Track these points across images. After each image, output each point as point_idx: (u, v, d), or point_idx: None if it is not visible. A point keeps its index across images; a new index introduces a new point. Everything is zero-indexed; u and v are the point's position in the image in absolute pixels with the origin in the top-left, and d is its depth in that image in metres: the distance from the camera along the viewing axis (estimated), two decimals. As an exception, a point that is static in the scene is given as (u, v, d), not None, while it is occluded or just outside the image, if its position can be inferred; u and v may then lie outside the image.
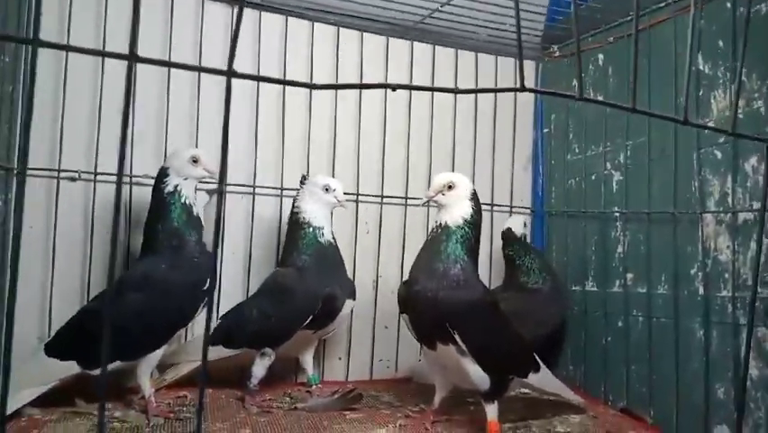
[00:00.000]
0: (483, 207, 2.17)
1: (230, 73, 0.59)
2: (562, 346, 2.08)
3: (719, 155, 1.55)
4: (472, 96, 2.23)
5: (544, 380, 1.61)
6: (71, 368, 1.44)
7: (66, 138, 1.73)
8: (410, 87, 1.93)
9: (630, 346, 1.79)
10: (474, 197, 1.52)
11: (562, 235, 2.15)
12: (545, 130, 2.31)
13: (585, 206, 2.04)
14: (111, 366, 1.44)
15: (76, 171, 1.74)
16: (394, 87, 0.68)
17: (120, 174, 0.57)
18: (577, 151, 2.11)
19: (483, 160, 2.24)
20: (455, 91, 0.70)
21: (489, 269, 2.22)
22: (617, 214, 1.89)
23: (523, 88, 0.66)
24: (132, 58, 0.55)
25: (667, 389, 1.63)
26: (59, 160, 1.72)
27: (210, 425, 1.46)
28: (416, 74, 2.17)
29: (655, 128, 1.73)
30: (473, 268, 1.49)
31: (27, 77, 1.63)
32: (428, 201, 1.54)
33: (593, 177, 2.02)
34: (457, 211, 1.49)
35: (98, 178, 1.75)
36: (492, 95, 2.26)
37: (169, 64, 0.61)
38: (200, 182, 1.67)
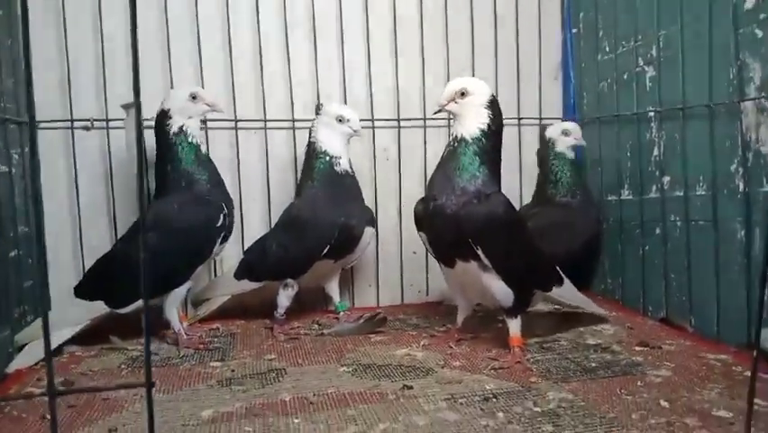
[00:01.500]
0: (508, 120, 2.09)
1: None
2: (597, 260, 2.01)
3: (760, 34, 1.36)
4: (491, 2, 2.07)
5: (566, 293, 1.55)
6: (99, 308, 1.50)
7: (74, 88, 1.74)
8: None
9: (668, 254, 1.69)
10: (493, 103, 1.41)
11: (595, 144, 2.02)
12: (574, 30, 2.13)
13: (618, 109, 1.89)
14: (137, 304, 1.50)
15: (89, 120, 1.76)
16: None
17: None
18: (607, 49, 1.94)
19: (506, 69, 2.10)
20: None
21: (520, 185, 2.13)
22: (652, 113, 1.73)
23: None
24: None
25: (707, 295, 1.54)
26: (71, 110, 1.74)
27: (238, 352, 1.51)
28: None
29: (688, 10, 1.55)
30: (494, 180, 1.41)
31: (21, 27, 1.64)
32: (440, 110, 1.45)
33: (625, 76, 1.85)
34: (473, 121, 1.40)
35: (110, 125, 1.77)
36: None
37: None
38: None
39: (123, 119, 1.65)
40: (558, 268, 1.54)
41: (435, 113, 1.48)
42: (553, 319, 1.69)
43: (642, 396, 1.15)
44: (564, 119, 2.18)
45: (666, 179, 1.69)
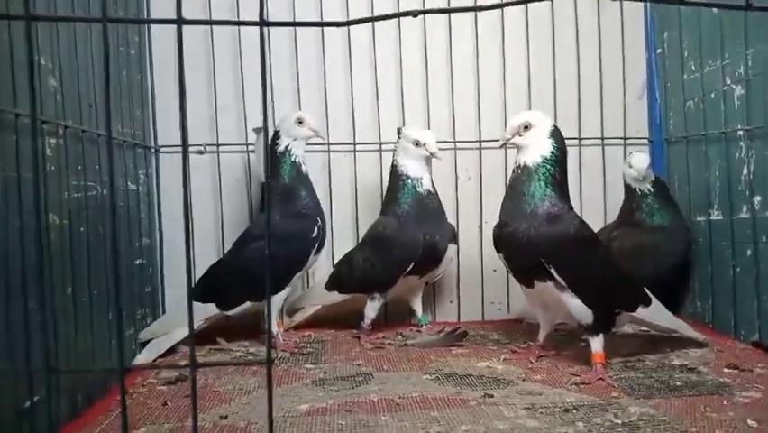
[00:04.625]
0: (593, 141, 2.13)
1: (262, 23, 0.67)
2: (687, 284, 1.97)
3: None
4: (572, 22, 2.11)
5: (656, 314, 1.54)
6: (211, 310, 1.68)
7: (190, 117, 1.96)
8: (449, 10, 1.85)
9: (761, 276, 1.64)
10: (555, 133, 1.48)
11: (682, 163, 1.99)
12: (659, 50, 2.13)
13: (705, 128, 1.86)
14: (243, 307, 1.68)
15: (201, 145, 1.98)
16: (415, 14, 0.71)
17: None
18: (693, 68, 1.93)
19: (590, 89, 2.13)
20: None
21: (604, 204, 2.13)
22: (741, 132, 1.70)
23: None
24: (180, 21, 0.65)
25: (804, 318, 1.48)
26: (185, 136, 1.96)
27: (330, 357, 1.63)
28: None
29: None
30: (563, 202, 1.46)
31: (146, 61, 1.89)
32: (505, 144, 1.53)
33: (712, 95, 1.83)
34: (536, 150, 1.46)
35: (220, 149, 1.98)
36: (595, 19, 2.13)
37: (212, 22, 0.70)
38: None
39: (252, 143, 1.92)
40: (646, 289, 1.53)
41: (501, 146, 1.55)
42: (638, 340, 1.68)
43: (728, 414, 1.15)
44: (650, 139, 2.17)
45: (757, 198, 1.65)
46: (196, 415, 0.69)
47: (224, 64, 1.99)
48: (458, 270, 2.08)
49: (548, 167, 1.45)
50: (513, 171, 1.51)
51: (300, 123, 1.76)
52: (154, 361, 1.59)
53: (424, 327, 1.90)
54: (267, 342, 0.71)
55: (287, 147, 1.75)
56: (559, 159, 1.47)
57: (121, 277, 1.53)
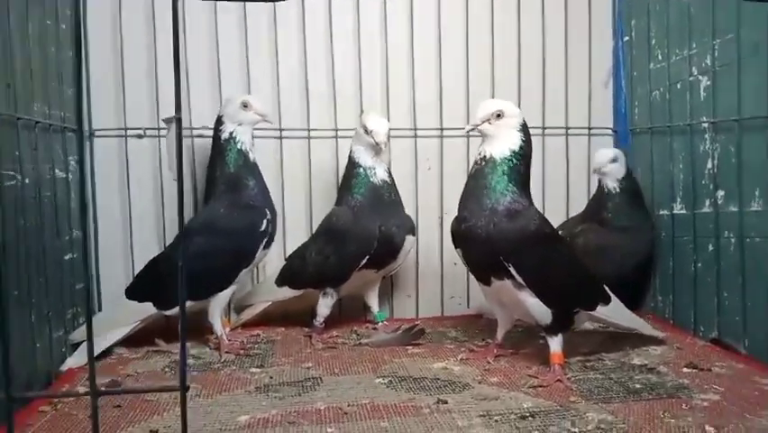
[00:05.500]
0: (556, 130, 2.06)
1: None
2: (650, 282, 1.94)
3: (824, 42, 1.29)
4: (539, 8, 2.04)
5: (615, 312, 1.50)
6: (148, 310, 1.56)
7: (128, 98, 1.82)
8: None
9: (722, 272, 1.61)
10: (524, 128, 1.41)
11: (646, 155, 1.95)
12: (626, 38, 2.07)
13: (671, 119, 1.82)
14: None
15: (141, 129, 1.84)
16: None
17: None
18: (660, 58, 1.87)
19: (554, 77, 2.06)
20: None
21: (567, 197, 2.08)
22: (706, 124, 1.66)
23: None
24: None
25: (763, 316, 1.46)
26: (125, 119, 1.82)
27: (278, 359, 1.53)
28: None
29: (745, 18, 1.48)
30: (525, 198, 1.39)
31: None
32: (473, 129, 1.43)
33: (678, 85, 1.78)
34: (504, 142, 1.39)
35: (161, 133, 1.84)
36: (562, 4, 2.05)
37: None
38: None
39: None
40: (606, 287, 1.49)
41: (468, 132, 1.45)
42: (598, 338, 1.64)
43: (686, 420, 1.11)
44: (614, 129, 2.12)
45: (720, 192, 1.62)
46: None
47: (165, 46, 1.83)
48: (417, 263, 2.00)
49: (515, 161, 1.38)
50: (475, 162, 1.42)
51: (245, 107, 1.63)
52: (84, 365, 1.46)
53: (380, 324, 1.82)
54: (180, 368, 0.62)
55: (231, 134, 1.63)
56: (526, 154, 1.40)
57: (47, 274, 1.40)
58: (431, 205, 2.01)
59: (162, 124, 1.78)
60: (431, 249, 2.01)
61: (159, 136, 1.84)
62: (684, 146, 1.76)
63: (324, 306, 1.72)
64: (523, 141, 1.39)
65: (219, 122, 1.65)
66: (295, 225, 1.94)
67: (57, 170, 1.51)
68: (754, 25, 1.47)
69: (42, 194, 1.41)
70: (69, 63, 1.62)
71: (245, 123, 1.64)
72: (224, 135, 1.63)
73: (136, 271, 1.70)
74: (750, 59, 1.49)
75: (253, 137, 1.70)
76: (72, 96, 1.63)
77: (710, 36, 1.61)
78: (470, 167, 1.45)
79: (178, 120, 0.61)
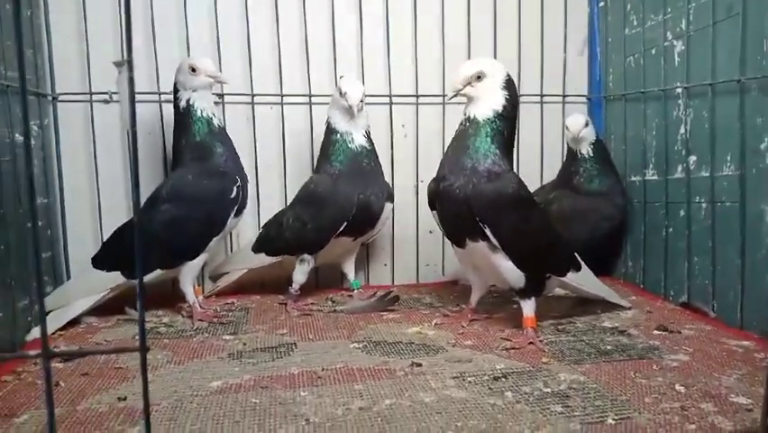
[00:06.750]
0: (531, 97, 2.05)
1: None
2: (621, 247, 1.96)
3: (797, 4, 1.29)
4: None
5: (584, 280, 1.51)
6: (116, 279, 1.52)
7: (93, 60, 1.75)
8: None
9: (692, 237, 1.63)
10: (509, 84, 1.38)
11: (620, 122, 1.95)
12: (601, 4, 2.06)
13: (645, 85, 1.82)
14: (153, 275, 1.51)
15: (107, 93, 1.77)
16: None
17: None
18: (635, 23, 1.86)
19: (530, 44, 2.04)
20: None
21: (541, 164, 2.08)
22: (680, 90, 1.66)
23: None
24: None
25: (731, 280, 1.48)
26: (90, 83, 1.75)
27: (251, 326, 1.52)
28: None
29: (720, -19, 1.47)
30: (506, 162, 1.37)
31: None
32: (455, 95, 1.41)
33: (653, 51, 1.78)
34: (487, 103, 1.36)
35: (129, 97, 1.77)
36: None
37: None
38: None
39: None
40: (577, 254, 1.50)
41: (451, 98, 1.42)
42: (570, 302, 1.66)
43: (656, 380, 1.12)
44: (589, 97, 2.12)
45: (692, 158, 1.63)
46: (52, 411, 0.58)
47: (135, 4, 1.76)
48: (392, 231, 1.99)
49: (498, 122, 1.36)
50: (460, 124, 1.40)
51: (194, 71, 1.56)
52: (52, 334, 1.43)
53: (355, 291, 1.82)
54: (140, 328, 0.60)
55: (188, 101, 1.57)
56: (510, 114, 1.37)
57: (8, 242, 1.35)
58: (407, 172, 1.99)
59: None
60: (407, 216, 2.00)
61: (125, 101, 1.77)
62: (658, 112, 1.77)
63: (301, 273, 1.70)
64: (507, 99, 1.36)
65: (175, 89, 1.59)
66: (269, 194, 1.91)
67: (17, 135, 1.45)
68: (729, -12, 1.46)
69: (1, 159, 1.35)
70: (27, 21, 1.55)
71: (199, 88, 1.58)
72: (182, 104, 1.58)
73: (105, 239, 1.66)
74: (724, 23, 1.48)
75: (218, 102, 1.64)
76: (31, 57, 1.55)
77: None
78: (456, 129, 1.42)
79: (129, 63, 0.57)
